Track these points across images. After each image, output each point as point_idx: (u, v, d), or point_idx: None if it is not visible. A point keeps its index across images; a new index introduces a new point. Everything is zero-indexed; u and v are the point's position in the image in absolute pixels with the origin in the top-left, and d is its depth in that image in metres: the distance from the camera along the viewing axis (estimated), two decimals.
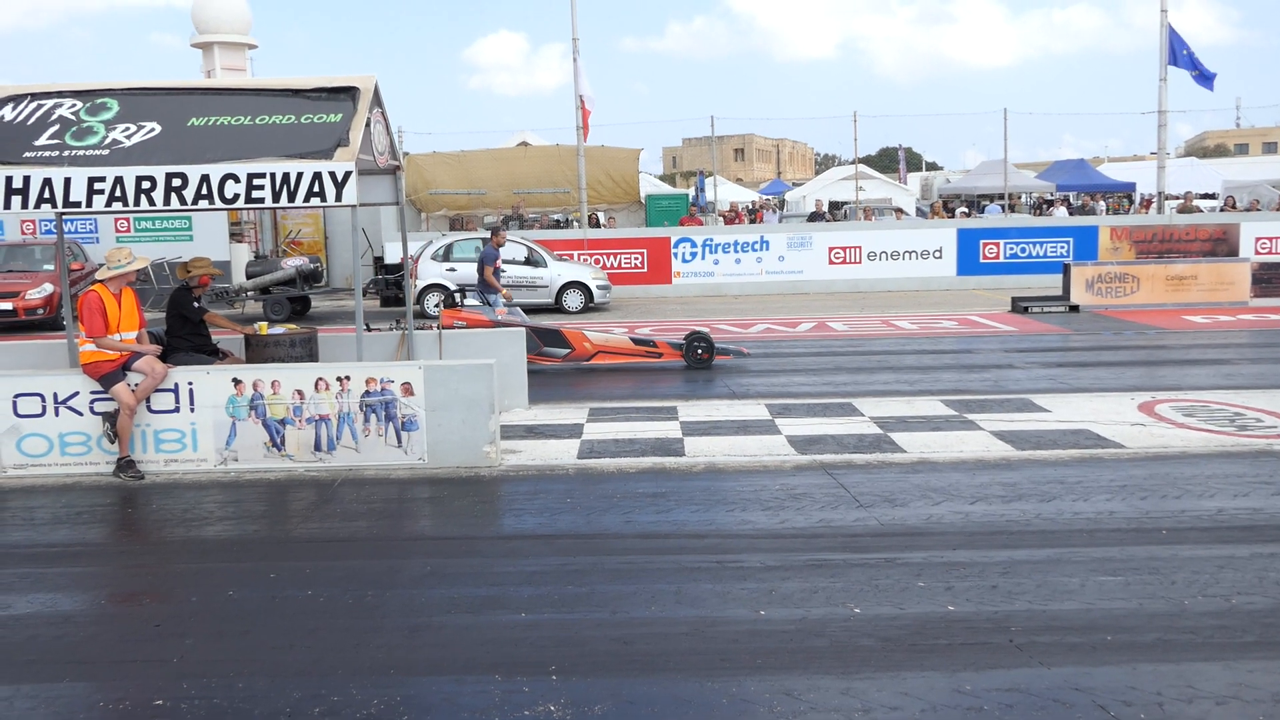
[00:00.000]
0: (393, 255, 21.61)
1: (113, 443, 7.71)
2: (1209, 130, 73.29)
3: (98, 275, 7.89)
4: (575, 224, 26.40)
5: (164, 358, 8.06)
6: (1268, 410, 9.20)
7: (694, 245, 23.01)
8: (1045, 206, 34.21)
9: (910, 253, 23.13)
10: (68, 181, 7.47)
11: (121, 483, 7.62)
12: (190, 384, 7.78)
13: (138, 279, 8.25)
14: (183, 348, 8.53)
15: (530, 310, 16.72)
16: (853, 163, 41.03)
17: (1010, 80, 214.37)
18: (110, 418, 7.69)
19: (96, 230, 22.35)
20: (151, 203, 7.49)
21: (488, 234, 15.55)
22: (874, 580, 5.28)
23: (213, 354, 8.71)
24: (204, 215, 21.14)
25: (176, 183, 7.46)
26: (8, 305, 17.73)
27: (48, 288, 18.09)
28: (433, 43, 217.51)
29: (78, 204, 7.48)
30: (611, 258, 22.84)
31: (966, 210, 34.05)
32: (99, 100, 8.10)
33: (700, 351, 12.31)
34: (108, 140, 7.73)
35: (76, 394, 7.78)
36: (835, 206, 37.71)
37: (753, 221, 31.51)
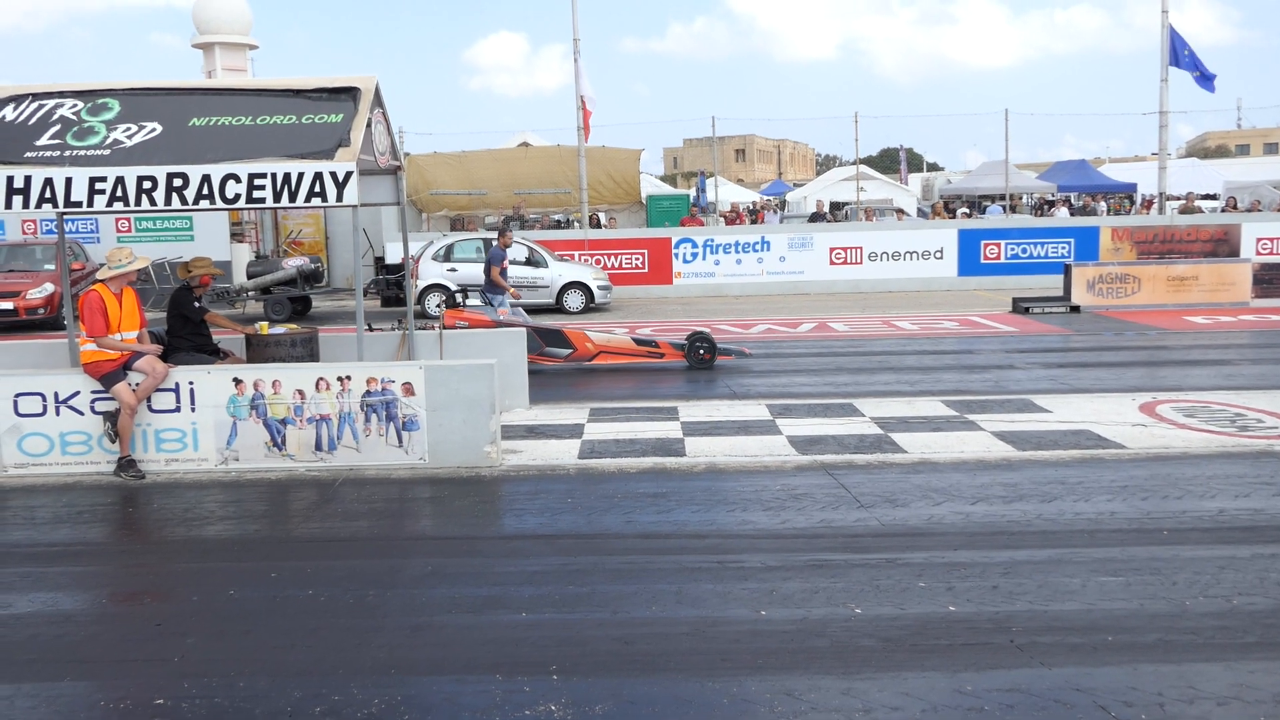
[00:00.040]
0: (393, 255, 21.62)
1: (114, 442, 7.72)
2: (1210, 131, 73.42)
3: (99, 275, 7.89)
4: (576, 224, 26.41)
5: (165, 357, 8.06)
6: (1269, 411, 9.19)
7: (695, 246, 23.00)
8: (1046, 207, 34.20)
9: (911, 253, 23.11)
10: (69, 181, 7.48)
11: (122, 482, 7.62)
12: (191, 384, 7.78)
13: (139, 279, 8.27)
14: (184, 347, 8.53)
15: (531, 310, 16.75)
16: (854, 163, 41.08)
17: (1011, 81, 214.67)
18: (111, 417, 7.69)
19: (97, 230, 22.35)
20: (152, 203, 7.50)
21: (490, 235, 15.56)
22: (875, 580, 5.28)
23: (214, 354, 8.72)
24: (205, 215, 21.15)
25: (177, 183, 7.46)
26: (9, 305, 17.75)
27: (49, 287, 18.11)
28: (433, 43, 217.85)
29: (79, 204, 7.49)
30: (612, 258, 22.83)
31: (967, 211, 34.02)
32: (100, 100, 8.11)
33: (703, 352, 12.32)
34: (109, 140, 7.74)
35: (77, 393, 7.79)
36: (836, 207, 37.67)
37: (754, 222, 31.51)
